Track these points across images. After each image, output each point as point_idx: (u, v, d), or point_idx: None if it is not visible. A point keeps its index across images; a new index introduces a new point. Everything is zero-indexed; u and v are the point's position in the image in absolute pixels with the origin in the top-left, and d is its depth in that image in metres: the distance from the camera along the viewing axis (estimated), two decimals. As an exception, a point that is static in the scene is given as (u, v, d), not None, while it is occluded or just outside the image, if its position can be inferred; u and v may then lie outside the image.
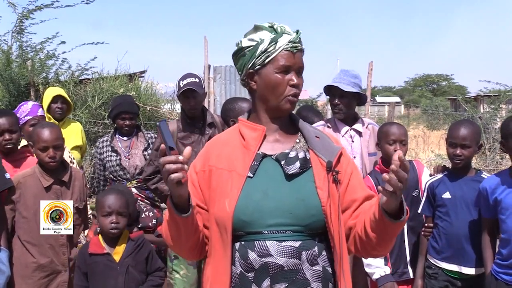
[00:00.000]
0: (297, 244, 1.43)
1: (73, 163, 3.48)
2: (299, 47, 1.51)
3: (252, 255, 1.43)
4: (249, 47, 1.53)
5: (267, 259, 1.42)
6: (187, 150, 1.34)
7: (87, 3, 8.66)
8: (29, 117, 3.32)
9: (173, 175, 1.29)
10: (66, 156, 3.41)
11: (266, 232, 1.43)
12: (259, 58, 1.51)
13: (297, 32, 1.53)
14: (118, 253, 2.57)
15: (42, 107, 3.55)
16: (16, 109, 3.46)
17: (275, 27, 1.52)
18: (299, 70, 1.53)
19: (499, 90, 10.82)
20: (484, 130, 7.86)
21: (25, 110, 3.37)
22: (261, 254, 1.42)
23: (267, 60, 1.50)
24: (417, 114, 26.93)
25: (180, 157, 1.30)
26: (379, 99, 42.34)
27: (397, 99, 40.69)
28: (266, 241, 1.43)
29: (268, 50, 1.49)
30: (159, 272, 2.68)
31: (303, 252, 1.43)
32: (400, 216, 1.38)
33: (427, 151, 9.86)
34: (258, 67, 1.52)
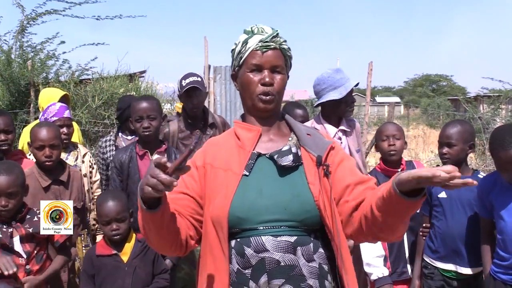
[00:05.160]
0: (292, 239, 1.43)
1: (93, 168, 3.46)
2: (272, 46, 1.53)
3: (249, 251, 1.43)
4: (232, 50, 1.61)
5: (264, 254, 1.42)
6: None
7: (97, 19, 8.69)
8: (55, 118, 3.29)
9: (160, 187, 1.22)
10: (87, 161, 3.42)
11: (262, 227, 1.44)
12: (236, 60, 1.60)
13: (273, 32, 1.55)
14: (125, 253, 2.58)
15: (69, 108, 3.51)
16: (44, 110, 3.45)
17: (253, 29, 1.57)
18: (273, 69, 1.54)
19: (499, 90, 10.82)
20: (484, 130, 7.85)
21: (52, 111, 3.33)
22: (257, 250, 1.43)
23: (241, 62, 1.57)
24: (416, 114, 26.93)
25: (175, 183, 1.22)
26: (378, 99, 42.40)
27: (397, 99, 40.74)
28: (262, 237, 1.43)
29: (241, 52, 1.56)
30: (164, 274, 2.67)
31: (298, 248, 1.43)
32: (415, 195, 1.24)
33: (427, 151, 9.87)
34: (237, 68, 1.60)
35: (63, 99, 3.90)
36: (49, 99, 3.89)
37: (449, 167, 1.15)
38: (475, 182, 1.15)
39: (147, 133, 2.89)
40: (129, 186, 2.91)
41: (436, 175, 1.14)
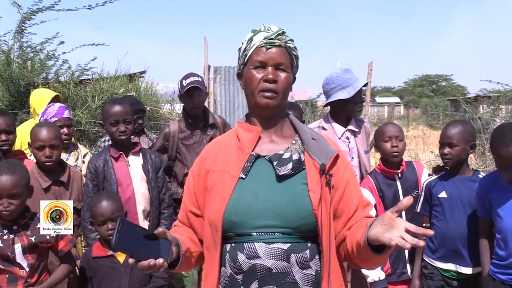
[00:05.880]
0: (285, 246, 1.42)
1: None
2: (276, 43, 1.51)
3: (241, 257, 1.43)
4: (239, 49, 1.60)
5: (255, 261, 1.41)
6: None
7: (89, 9, 8.72)
8: (55, 119, 3.29)
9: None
10: (87, 161, 3.39)
11: (255, 233, 1.43)
12: (241, 58, 1.57)
13: (278, 29, 1.54)
14: (122, 254, 2.56)
15: (68, 109, 3.50)
16: (43, 111, 3.45)
17: (259, 27, 1.56)
18: (277, 66, 1.51)
19: (499, 91, 10.82)
20: (483, 130, 7.87)
21: (52, 112, 3.33)
22: (249, 256, 1.42)
23: (246, 59, 1.55)
24: (416, 115, 26.94)
25: (160, 261, 1.32)
26: (378, 99, 42.34)
27: (397, 99, 40.67)
28: (255, 243, 1.42)
29: (246, 49, 1.55)
30: (162, 273, 2.65)
31: (292, 255, 1.42)
32: (383, 249, 1.36)
33: (427, 151, 9.87)
34: (242, 66, 1.58)
35: (55, 100, 3.89)
36: (40, 100, 3.88)
37: (398, 237, 1.24)
38: (431, 232, 1.27)
39: (123, 137, 2.89)
40: (106, 188, 2.90)
41: (392, 244, 1.25)
